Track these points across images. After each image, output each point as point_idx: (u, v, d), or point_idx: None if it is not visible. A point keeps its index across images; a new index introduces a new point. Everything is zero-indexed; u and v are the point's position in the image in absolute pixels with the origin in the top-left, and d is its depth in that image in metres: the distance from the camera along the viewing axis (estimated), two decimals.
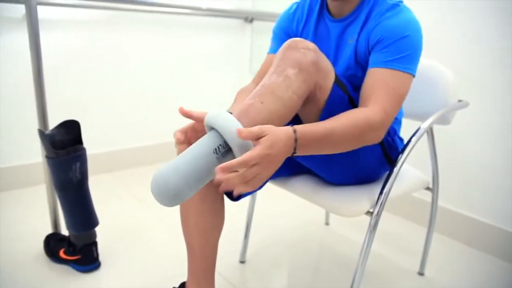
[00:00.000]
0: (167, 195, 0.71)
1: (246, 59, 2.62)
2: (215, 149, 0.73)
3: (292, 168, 1.13)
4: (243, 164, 0.69)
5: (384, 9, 0.96)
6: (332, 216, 1.77)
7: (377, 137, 0.90)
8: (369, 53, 0.97)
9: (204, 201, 0.98)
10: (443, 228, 1.70)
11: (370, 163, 1.05)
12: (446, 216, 1.68)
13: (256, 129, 0.71)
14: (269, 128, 0.73)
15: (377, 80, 0.92)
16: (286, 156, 0.76)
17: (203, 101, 2.50)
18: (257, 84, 0.99)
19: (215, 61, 2.52)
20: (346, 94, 0.93)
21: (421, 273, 1.42)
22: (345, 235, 1.67)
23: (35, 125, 1.29)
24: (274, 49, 1.15)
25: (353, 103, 0.94)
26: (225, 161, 0.73)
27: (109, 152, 2.20)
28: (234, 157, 0.74)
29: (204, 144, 0.74)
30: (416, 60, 0.95)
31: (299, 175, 1.14)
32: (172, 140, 2.09)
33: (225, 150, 0.74)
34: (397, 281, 1.38)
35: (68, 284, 1.26)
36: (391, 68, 0.91)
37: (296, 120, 0.92)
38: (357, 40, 0.99)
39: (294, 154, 0.77)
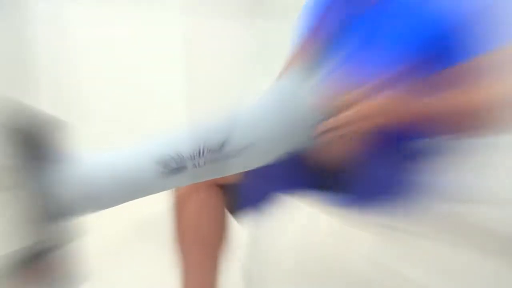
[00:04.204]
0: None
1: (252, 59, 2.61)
2: (163, 161, 0.55)
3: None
4: None
5: None
6: (340, 226, 1.73)
7: None
8: None
9: (203, 207, 0.94)
10: (452, 236, 1.67)
11: None
12: (456, 223, 1.65)
13: None
14: None
15: None
16: None
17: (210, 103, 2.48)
18: None
19: (218, 63, 2.51)
20: None
21: (427, 283, 1.39)
22: (354, 245, 1.63)
23: None
24: None
25: None
26: (171, 180, 0.57)
27: None
28: (185, 179, 0.61)
29: (153, 148, 0.57)
30: None
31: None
32: None
33: (177, 167, 0.58)
34: None
35: None
36: None
37: None
38: None
39: None
